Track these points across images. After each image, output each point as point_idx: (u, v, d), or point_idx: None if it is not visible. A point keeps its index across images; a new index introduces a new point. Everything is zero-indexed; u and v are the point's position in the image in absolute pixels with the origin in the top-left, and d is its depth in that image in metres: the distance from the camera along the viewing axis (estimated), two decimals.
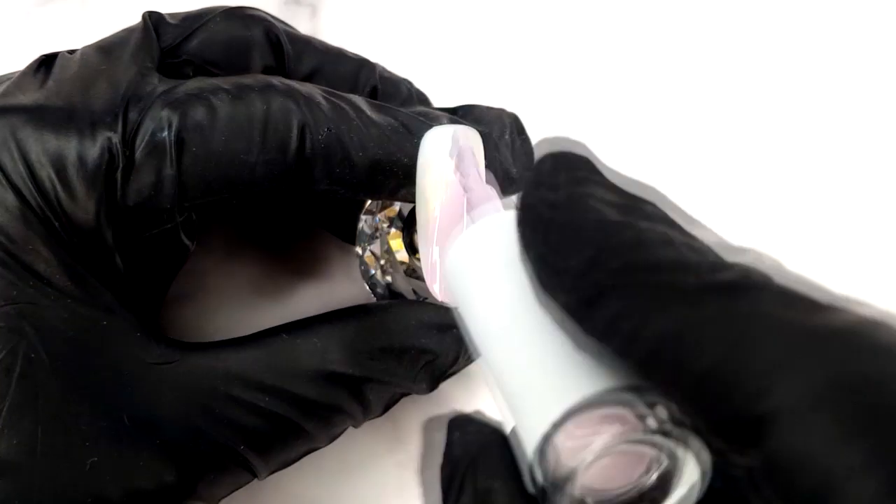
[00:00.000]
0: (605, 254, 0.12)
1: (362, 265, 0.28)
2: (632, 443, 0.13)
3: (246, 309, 0.29)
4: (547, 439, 0.13)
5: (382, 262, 0.27)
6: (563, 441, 0.13)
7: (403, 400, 0.27)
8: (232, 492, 0.23)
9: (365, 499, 0.28)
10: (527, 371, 0.14)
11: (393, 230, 0.27)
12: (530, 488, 0.13)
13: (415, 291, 0.27)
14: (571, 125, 0.32)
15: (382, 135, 0.23)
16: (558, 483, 0.13)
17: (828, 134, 0.32)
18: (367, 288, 0.28)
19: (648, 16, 0.33)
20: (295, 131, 0.22)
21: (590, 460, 0.12)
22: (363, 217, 0.27)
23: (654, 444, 0.13)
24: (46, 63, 0.22)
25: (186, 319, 0.28)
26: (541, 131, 0.30)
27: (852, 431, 0.10)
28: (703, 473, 0.13)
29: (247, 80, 0.22)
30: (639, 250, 0.12)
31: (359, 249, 0.27)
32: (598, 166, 0.15)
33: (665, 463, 0.13)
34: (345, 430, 0.25)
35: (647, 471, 0.13)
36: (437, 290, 0.21)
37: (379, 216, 0.28)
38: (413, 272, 0.27)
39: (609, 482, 0.13)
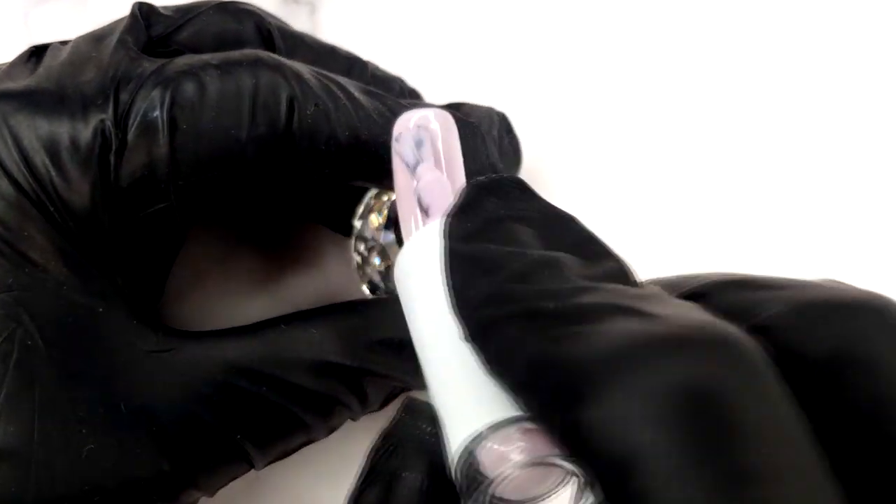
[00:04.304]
0: (493, 288, 0.13)
1: (360, 269, 0.27)
2: (546, 461, 0.13)
3: (243, 303, 0.29)
4: (469, 450, 0.14)
5: (378, 264, 0.27)
6: (484, 453, 0.14)
7: None
8: (229, 482, 0.23)
9: None
10: (457, 382, 0.15)
11: (386, 231, 0.27)
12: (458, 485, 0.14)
13: None
14: (563, 126, 0.32)
15: (369, 117, 0.23)
16: (474, 493, 0.14)
17: (827, 134, 0.32)
18: (368, 291, 0.27)
19: (641, 17, 0.33)
20: (284, 106, 0.22)
21: (506, 476, 0.13)
22: (358, 221, 0.27)
23: (562, 464, 0.14)
24: (37, 53, 0.23)
25: (184, 314, 0.28)
26: (533, 131, 0.31)
27: (650, 429, 0.10)
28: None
29: (235, 55, 0.23)
30: (521, 283, 0.13)
31: (356, 255, 0.27)
32: (530, 190, 0.15)
33: (573, 476, 0.14)
34: (343, 422, 0.25)
35: (560, 483, 0.14)
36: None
37: (372, 215, 0.28)
38: None
39: (525, 492, 0.14)
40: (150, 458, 0.21)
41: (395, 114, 0.24)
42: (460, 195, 0.15)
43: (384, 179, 0.24)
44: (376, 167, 0.23)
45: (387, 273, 0.27)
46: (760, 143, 0.31)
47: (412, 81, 0.28)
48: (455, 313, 0.13)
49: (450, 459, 0.14)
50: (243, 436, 0.22)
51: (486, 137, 0.26)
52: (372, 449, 0.16)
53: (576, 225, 0.14)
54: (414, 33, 0.33)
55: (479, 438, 0.14)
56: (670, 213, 0.31)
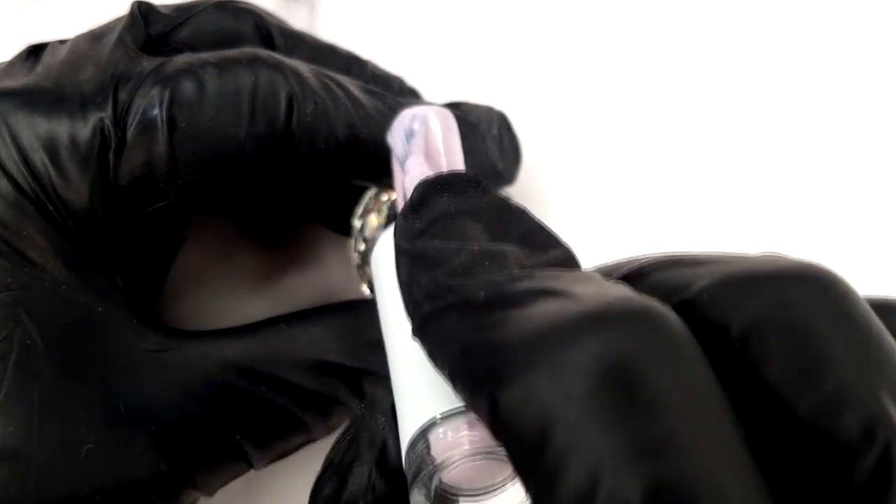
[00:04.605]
0: (435, 283, 0.13)
1: (360, 269, 0.27)
2: (493, 450, 0.14)
3: (242, 303, 0.29)
4: (419, 436, 0.14)
5: None
6: (434, 440, 0.14)
7: None
8: (228, 482, 0.23)
9: None
10: (411, 373, 0.15)
11: (385, 231, 0.27)
12: (408, 474, 0.15)
13: None
14: (563, 126, 0.32)
15: (369, 115, 0.23)
16: (421, 477, 0.14)
17: (828, 134, 0.31)
18: (368, 290, 0.27)
19: (640, 17, 0.33)
20: (283, 104, 0.22)
21: (453, 462, 0.14)
22: (357, 221, 0.27)
23: (501, 456, 0.14)
24: (36, 52, 0.23)
25: (183, 313, 0.28)
26: (533, 131, 0.31)
27: (564, 403, 0.10)
28: None
29: (234, 53, 0.23)
30: (460, 276, 0.13)
31: (356, 255, 0.27)
32: (482, 184, 0.15)
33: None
34: (343, 422, 0.25)
35: (512, 474, 0.14)
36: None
37: (372, 215, 0.28)
38: None
39: (474, 482, 0.14)
40: (149, 457, 0.21)
41: (394, 112, 0.24)
42: (412, 194, 0.15)
43: (384, 178, 0.24)
44: (376, 166, 0.23)
45: None
46: (760, 141, 0.31)
47: (412, 81, 0.28)
48: (405, 309, 0.14)
49: (402, 447, 0.15)
50: (242, 436, 0.22)
51: (485, 136, 0.26)
52: (335, 441, 0.16)
53: (525, 216, 0.15)
54: (414, 32, 0.33)
55: (430, 425, 0.14)
56: (669, 213, 0.31)
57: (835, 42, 0.33)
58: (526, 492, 0.11)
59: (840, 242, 0.30)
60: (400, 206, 0.20)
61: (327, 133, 0.23)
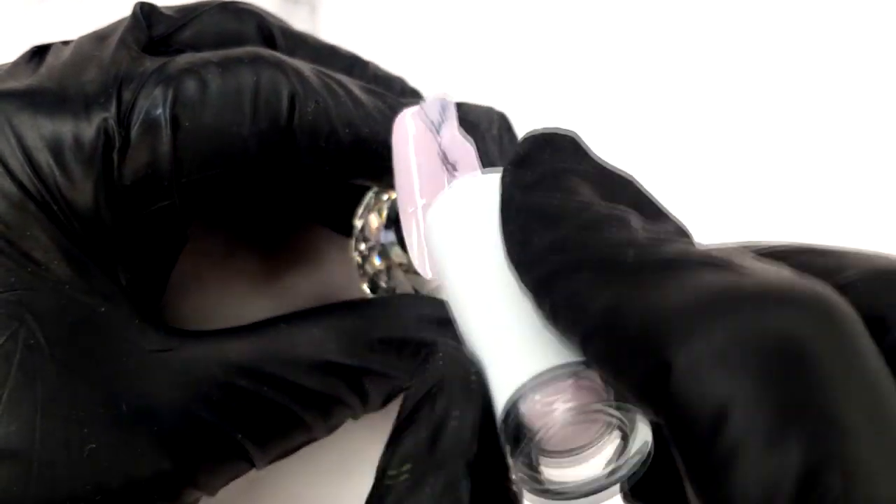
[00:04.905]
0: (561, 236, 0.13)
1: (360, 269, 0.27)
2: (591, 412, 0.14)
3: (243, 303, 0.29)
4: (515, 401, 0.14)
5: (379, 263, 0.27)
6: (529, 404, 0.14)
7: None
8: (230, 481, 0.23)
9: (364, 498, 0.28)
10: (502, 331, 0.14)
11: (386, 230, 0.27)
12: (502, 439, 0.14)
13: (415, 289, 0.27)
14: (563, 126, 0.32)
15: (370, 115, 0.23)
16: (521, 448, 0.14)
17: (827, 133, 0.31)
18: (368, 290, 0.27)
19: (641, 17, 0.33)
20: (285, 102, 0.22)
21: (553, 426, 0.13)
22: (358, 221, 0.27)
23: (610, 414, 0.14)
24: (39, 53, 0.23)
25: (184, 313, 0.28)
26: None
27: (743, 377, 0.10)
28: (645, 442, 0.14)
29: (236, 52, 0.23)
30: (592, 232, 0.13)
31: (356, 254, 0.27)
32: (583, 147, 0.15)
33: (616, 429, 0.14)
34: (343, 421, 0.25)
35: (602, 433, 0.14)
36: (417, 257, 0.21)
37: (372, 215, 0.28)
38: (411, 268, 0.27)
39: (567, 443, 0.14)
40: (151, 457, 0.21)
41: (395, 112, 0.24)
42: (518, 146, 0.15)
43: (384, 177, 0.24)
44: (376, 165, 0.24)
45: (387, 272, 0.27)
46: (761, 141, 0.32)
47: (413, 81, 0.28)
48: (512, 262, 0.13)
49: (496, 411, 0.14)
50: (244, 435, 0.22)
51: (485, 136, 0.26)
52: (407, 396, 0.15)
53: (633, 185, 0.14)
54: (414, 33, 0.33)
55: (523, 392, 0.14)
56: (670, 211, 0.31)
57: (833, 38, 0.33)
58: (684, 467, 0.11)
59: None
60: (427, 169, 0.19)
61: (328, 131, 0.23)
